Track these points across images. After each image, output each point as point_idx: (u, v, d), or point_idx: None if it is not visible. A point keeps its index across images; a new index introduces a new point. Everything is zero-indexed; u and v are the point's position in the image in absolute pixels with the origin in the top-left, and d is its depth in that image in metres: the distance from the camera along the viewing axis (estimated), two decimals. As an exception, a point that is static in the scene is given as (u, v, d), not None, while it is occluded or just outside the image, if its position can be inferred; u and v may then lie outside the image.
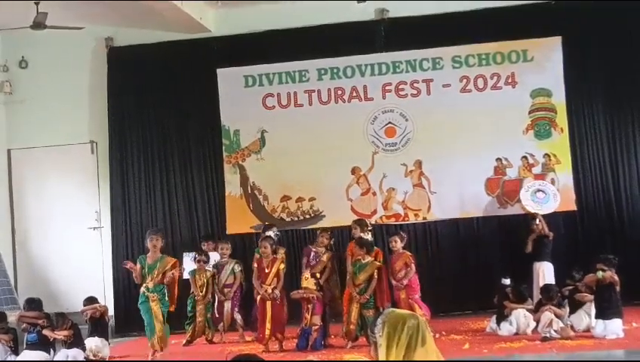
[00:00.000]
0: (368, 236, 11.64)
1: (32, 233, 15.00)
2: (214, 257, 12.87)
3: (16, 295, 14.09)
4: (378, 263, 11.04)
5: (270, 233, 12.25)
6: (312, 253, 11.69)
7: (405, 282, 11.41)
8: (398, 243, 11.66)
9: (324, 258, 11.59)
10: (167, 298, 10.92)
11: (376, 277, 10.98)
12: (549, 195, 13.01)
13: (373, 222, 13.80)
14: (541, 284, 11.71)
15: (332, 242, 11.98)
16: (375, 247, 11.49)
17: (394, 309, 4.40)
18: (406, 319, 4.24)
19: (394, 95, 14.10)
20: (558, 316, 10.50)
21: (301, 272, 11.60)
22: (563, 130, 13.74)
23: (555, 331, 10.35)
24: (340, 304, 11.41)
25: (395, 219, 13.95)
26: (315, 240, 12.07)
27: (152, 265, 10.88)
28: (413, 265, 11.54)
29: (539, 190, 13.06)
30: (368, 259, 11.00)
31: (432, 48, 14.00)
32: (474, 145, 13.76)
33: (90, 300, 12.07)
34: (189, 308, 12.19)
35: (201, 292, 12.18)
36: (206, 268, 12.39)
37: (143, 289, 10.87)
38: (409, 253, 11.74)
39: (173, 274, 10.84)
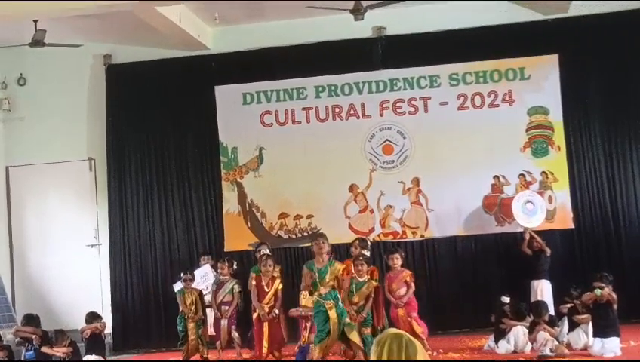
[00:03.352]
0: (367, 254, 11.58)
1: (30, 250, 14.98)
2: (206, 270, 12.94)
3: (14, 312, 14.07)
4: (375, 282, 10.94)
5: (267, 250, 12.29)
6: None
7: (405, 300, 11.38)
8: (399, 261, 11.63)
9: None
10: (341, 303, 10.41)
11: (372, 296, 10.91)
12: (537, 207, 13.05)
13: (371, 240, 13.87)
14: (538, 303, 11.73)
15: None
16: (371, 266, 11.47)
17: (390, 329, 4.39)
18: (387, 339, 4.23)
19: (391, 112, 14.12)
20: (552, 335, 10.50)
21: (299, 290, 11.52)
22: (560, 147, 13.75)
23: (551, 350, 10.34)
24: None
25: (392, 237, 13.93)
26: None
27: (323, 270, 10.40)
28: (412, 284, 11.54)
29: (528, 201, 13.10)
30: (365, 277, 10.88)
31: (429, 66, 14.03)
32: (471, 163, 13.77)
33: (93, 316, 12.09)
34: (179, 328, 12.08)
35: (191, 310, 12.06)
36: (192, 286, 12.27)
37: (316, 297, 10.38)
38: (409, 271, 11.72)
39: None
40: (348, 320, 10.24)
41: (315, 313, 10.32)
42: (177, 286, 12.55)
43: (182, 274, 12.31)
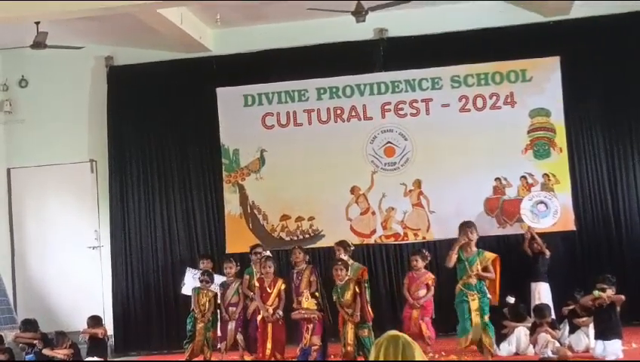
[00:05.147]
0: (345, 257, 11.46)
1: (32, 252, 14.97)
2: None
3: (16, 314, 14.06)
4: (354, 278, 10.94)
5: (268, 252, 12.28)
6: (294, 274, 11.59)
7: (422, 302, 11.46)
8: (419, 263, 11.73)
9: (307, 273, 11.50)
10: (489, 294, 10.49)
11: (357, 291, 10.87)
12: (550, 210, 12.99)
13: (372, 242, 13.89)
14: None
15: (307, 258, 11.78)
16: (361, 266, 11.46)
17: (390, 331, 4.37)
18: (384, 341, 4.23)
19: (393, 114, 14.11)
20: (553, 337, 10.47)
21: (299, 294, 11.44)
22: (562, 149, 13.73)
23: (552, 352, 10.32)
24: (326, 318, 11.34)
25: (394, 239, 13.93)
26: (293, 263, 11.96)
27: (472, 259, 10.49)
28: (433, 288, 11.56)
29: (542, 201, 13.06)
30: (345, 278, 10.92)
31: (431, 68, 14.02)
32: (473, 165, 13.76)
33: (95, 319, 12.08)
34: (188, 327, 12.03)
35: (202, 311, 11.97)
36: (210, 288, 12.15)
37: (460, 286, 10.56)
38: (432, 276, 11.75)
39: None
40: (487, 318, 10.46)
41: (458, 302, 10.55)
42: (185, 287, 12.47)
43: (200, 275, 12.21)
